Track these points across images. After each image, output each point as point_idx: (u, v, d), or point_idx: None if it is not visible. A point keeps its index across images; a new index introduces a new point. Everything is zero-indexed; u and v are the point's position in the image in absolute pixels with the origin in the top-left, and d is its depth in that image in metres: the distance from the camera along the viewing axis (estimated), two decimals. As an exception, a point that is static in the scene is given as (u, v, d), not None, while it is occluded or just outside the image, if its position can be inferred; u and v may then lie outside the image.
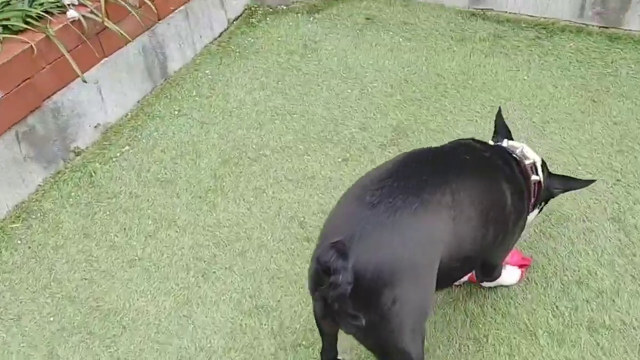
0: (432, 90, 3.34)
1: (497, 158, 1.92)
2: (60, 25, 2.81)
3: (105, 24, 2.93)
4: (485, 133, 3.01)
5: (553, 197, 2.15)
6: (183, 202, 2.82)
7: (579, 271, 2.32)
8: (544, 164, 2.09)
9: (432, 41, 3.72)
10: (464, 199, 1.65)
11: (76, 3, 2.89)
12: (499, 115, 2.22)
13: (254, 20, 4.09)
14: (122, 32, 2.99)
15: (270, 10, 4.18)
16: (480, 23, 3.83)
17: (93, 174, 2.99)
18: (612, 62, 3.37)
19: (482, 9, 3.90)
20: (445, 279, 1.70)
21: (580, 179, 2.14)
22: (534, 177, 1.99)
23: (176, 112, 3.37)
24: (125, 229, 2.71)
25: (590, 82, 3.26)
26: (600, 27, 3.61)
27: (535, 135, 2.98)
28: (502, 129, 2.18)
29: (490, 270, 2.05)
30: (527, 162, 1.99)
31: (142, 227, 2.70)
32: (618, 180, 2.68)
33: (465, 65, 3.50)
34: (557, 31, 3.65)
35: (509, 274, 2.26)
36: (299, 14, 4.11)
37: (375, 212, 1.53)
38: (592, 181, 2.15)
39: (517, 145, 2.05)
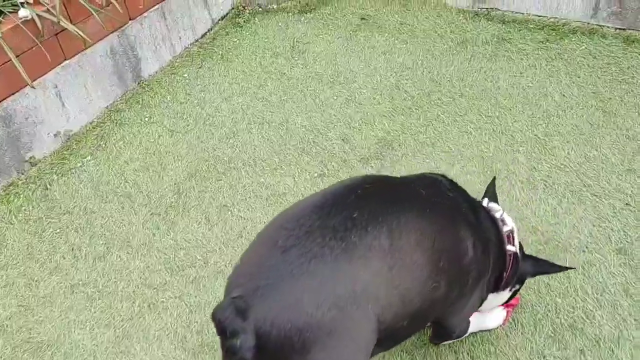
0: (425, 98, 3.03)
1: (463, 201, 1.61)
2: (11, 26, 2.59)
3: (62, 23, 2.69)
4: (479, 147, 2.70)
5: (524, 281, 1.84)
6: (140, 219, 2.56)
7: (574, 313, 1.99)
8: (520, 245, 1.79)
9: (430, 44, 3.40)
10: (406, 241, 1.33)
11: (30, 1, 2.66)
12: (491, 183, 1.92)
13: (240, 20, 3.82)
14: (80, 33, 2.75)
15: (260, 9, 3.91)
16: (483, 24, 3.49)
17: (48, 186, 2.76)
18: (627, 68, 3.01)
19: (486, 9, 3.56)
20: (391, 340, 1.40)
21: (557, 265, 1.79)
22: (509, 248, 1.68)
23: (146, 119, 3.12)
24: (73, 249, 2.47)
25: (602, 90, 2.91)
26: (615, 28, 3.24)
27: (537, 150, 2.65)
28: (488, 193, 1.88)
29: (446, 333, 1.72)
30: (505, 228, 1.70)
31: (92, 248, 2.46)
32: (627, 204, 2.34)
33: (464, 70, 3.17)
34: (568, 33, 3.30)
35: (492, 316, 1.95)
36: (290, 14, 3.83)
37: (286, 259, 1.24)
38: (571, 268, 1.82)
39: (497, 209, 1.75)
